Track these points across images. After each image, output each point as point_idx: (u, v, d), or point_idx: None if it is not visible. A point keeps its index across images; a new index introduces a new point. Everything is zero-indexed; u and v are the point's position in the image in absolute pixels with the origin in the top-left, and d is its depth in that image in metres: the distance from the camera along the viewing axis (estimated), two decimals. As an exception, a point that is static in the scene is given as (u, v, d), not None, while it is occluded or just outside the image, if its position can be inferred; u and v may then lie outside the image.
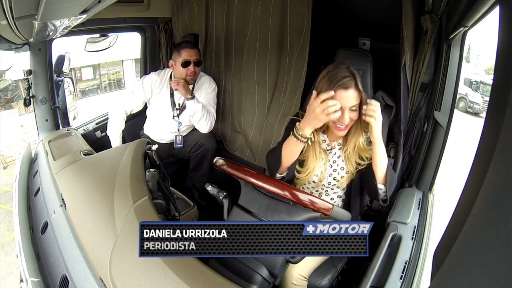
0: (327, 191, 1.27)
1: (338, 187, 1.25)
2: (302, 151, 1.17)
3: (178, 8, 2.30)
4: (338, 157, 1.22)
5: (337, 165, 1.22)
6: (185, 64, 1.86)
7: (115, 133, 1.96)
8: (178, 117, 1.99)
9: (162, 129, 2.03)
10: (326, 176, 1.23)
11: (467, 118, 9.34)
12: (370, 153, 1.14)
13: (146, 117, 2.12)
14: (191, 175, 2.13)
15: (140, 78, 2.26)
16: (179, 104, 1.99)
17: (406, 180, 1.46)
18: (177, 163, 2.22)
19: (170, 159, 2.15)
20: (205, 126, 1.96)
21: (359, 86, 1.06)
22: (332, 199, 1.29)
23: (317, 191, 1.29)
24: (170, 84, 1.96)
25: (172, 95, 1.99)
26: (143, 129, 2.14)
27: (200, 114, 1.91)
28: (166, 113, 2.00)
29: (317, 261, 1.20)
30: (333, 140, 1.23)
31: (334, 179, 1.23)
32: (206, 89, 2.02)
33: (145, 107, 2.10)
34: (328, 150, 1.23)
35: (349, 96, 1.04)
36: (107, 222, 0.99)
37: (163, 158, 2.06)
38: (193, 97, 1.89)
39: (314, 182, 1.25)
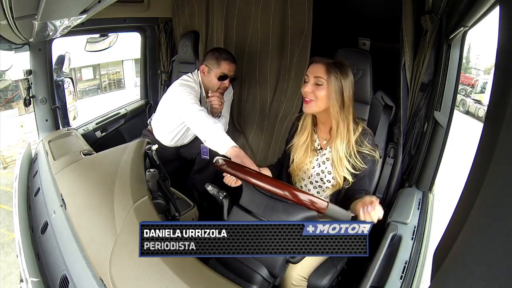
0: (319, 192, 1.28)
1: (324, 191, 1.26)
2: (293, 145, 1.29)
3: (179, 8, 2.30)
4: (327, 159, 1.24)
5: (325, 167, 1.24)
6: (222, 78, 1.71)
7: (220, 133, 1.47)
8: None
9: (179, 134, 1.92)
10: (313, 174, 1.26)
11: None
12: (356, 164, 1.17)
13: (147, 117, 2.10)
14: (193, 176, 2.11)
15: (140, 78, 2.25)
16: None
17: (406, 180, 1.46)
18: (176, 161, 2.21)
19: (170, 158, 2.13)
20: None
21: (331, 69, 1.14)
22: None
23: (309, 189, 1.30)
24: (207, 100, 1.79)
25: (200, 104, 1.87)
26: (146, 127, 2.10)
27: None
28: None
29: (317, 261, 1.20)
30: (322, 140, 1.27)
31: (321, 179, 1.25)
32: (226, 95, 1.93)
33: (148, 108, 2.04)
34: (318, 149, 1.26)
35: (315, 69, 1.16)
36: (107, 222, 0.99)
37: (169, 159, 2.03)
38: (220, 115, 1.81)
39: (303, 179, 1.30)
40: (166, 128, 1.91)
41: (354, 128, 1.19)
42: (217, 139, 1.43)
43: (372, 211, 0.95)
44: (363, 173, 1.19)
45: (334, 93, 1.15)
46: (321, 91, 1.16)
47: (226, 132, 2.23)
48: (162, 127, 1.94)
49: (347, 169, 1.18)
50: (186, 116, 1.59)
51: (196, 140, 1.98)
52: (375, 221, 0.95)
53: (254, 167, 1.25)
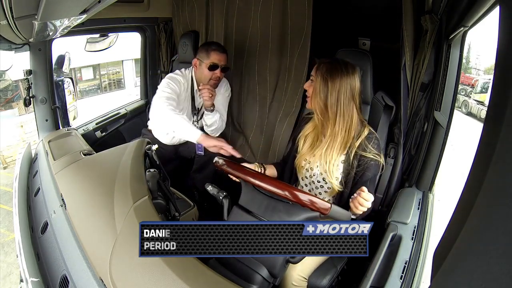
0: (320, 193, 1.28)
1: (326, 192, 1.26)
2: (301, 134, 1.31)
3: (179, 8, 2.30)
4: None
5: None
6: (212, 67, 1.76)
7: (185, 124, 1.55)
8: (197, 122, 1.94)
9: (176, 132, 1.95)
10: (317, 173, 1.25)
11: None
12: (356, 170, 1.18)
13: (147, 117, 2.10)
14: (193, 175, 2.12)
15: (140, 77, 2.24)
16: (198, 108, 1.93)
17: (406, 180, 1.46)
18: (176, 161, 2.21)
19: (172, 156, 2.13)
20: (216, 132, 1.92)
21: (319, 68, 1.18)
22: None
23: (312, 189, 1.30)
24: (198, 89, 1.83)
25: (193, 98, 1.91)
26: (146, 127, 2.10)
27: (217, 124, 1.87)
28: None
29: (317, 261, 1.20)
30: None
31: (323, 179, 1.24)
32: (223, 93, 1.96)
33: (148, 108, 2.06)
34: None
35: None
36: (107, 222, 0.99)
37: (168, 159, 2.03)
38: (213, 109, 1.84)
39: (306, 177, 1.29)
40: (163, 126, 1.92)
41: (360, 131, 1.18)
42: (186, 128, 1.55)
43: (358, 197, 0.98)
44: (366, 177, 1.17)
45: (318, 92, 1.16)
46: (310, 89, 1.21)
47: (226, 132, 2.26)
48: (159, 125, 1.95)
49: (339, 172, 1.18)
50: (153, 108, 1.68)
51: None
52: (364, 205, 0.97)
53: (227, 146, 1.43)
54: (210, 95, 1.76)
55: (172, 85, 1.75)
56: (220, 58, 1.78)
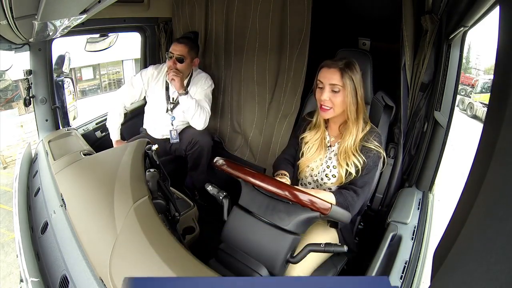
0: (318, 186, 1.29)
1: (330, 188, 1.26)
2: (304, 139, 1.30)
3: (179, 8, 2.30)
4: (335, 155, 1.25)
5: (331, 162, 1.25)
6: (170, 57, 1.88)
7: (113, 126, 2.03)
8: (172, 111, 1.99)
9: (157, 123, 2.04)
10: (320, 171, 1.26)
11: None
12: (359, 160, 1.18)
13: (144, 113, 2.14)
14: (190, 174, 2.13)
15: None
16: (173, 98, 2.00)
17: (406, 180, 1.46)
18: (175, 161, 2.21)
19: (168, 157, 2.14)
20: (199, 122, 1.94)
21: (345, 73, 1.14)
22: None
23: (309, 182, 1.31)
24: (166, 78, 1.96)
25: (167, 88, 2.00)
26: (143, 124, 2.16)
27: (193, 110, 1.90)
28: (160, 107, 2.00)
29: (317, 261, 1.20)
30: (331, 137, 1.28)
31: (326, 175, 1.25)
32: (202, 85, 2.02)
33: (145, 103, 2.12)
34: (328, 146, 1.28)
35: (329, 75, 1.16)
36: (107, 222, 0.99)
37: (161, 155, 2.05)
38: (186, 92, 1.89)
39: (311, 176, 1.30)
40: (150, 118, 2.07)
41: (363, 126, 1.21)
42: (111, 128, 2.03)
43: None
44: (363, 166, 1.18)
45: (350, 97, 1.16)
46: (337, 98, 1.17)
47: (224, 132, 2.27)
48: (147, 118, 2.10)
49: (353, 162, 1.18)
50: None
51: (182, 134, 2.04)
52: None
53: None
54: (175, 75, 1.83)
55: (132, 81, 2.04)
56: (175, 48, 1.86)
